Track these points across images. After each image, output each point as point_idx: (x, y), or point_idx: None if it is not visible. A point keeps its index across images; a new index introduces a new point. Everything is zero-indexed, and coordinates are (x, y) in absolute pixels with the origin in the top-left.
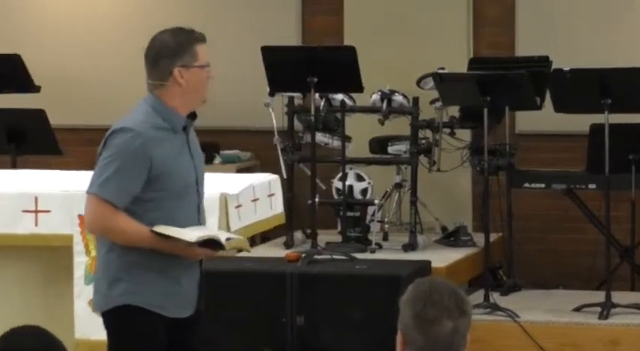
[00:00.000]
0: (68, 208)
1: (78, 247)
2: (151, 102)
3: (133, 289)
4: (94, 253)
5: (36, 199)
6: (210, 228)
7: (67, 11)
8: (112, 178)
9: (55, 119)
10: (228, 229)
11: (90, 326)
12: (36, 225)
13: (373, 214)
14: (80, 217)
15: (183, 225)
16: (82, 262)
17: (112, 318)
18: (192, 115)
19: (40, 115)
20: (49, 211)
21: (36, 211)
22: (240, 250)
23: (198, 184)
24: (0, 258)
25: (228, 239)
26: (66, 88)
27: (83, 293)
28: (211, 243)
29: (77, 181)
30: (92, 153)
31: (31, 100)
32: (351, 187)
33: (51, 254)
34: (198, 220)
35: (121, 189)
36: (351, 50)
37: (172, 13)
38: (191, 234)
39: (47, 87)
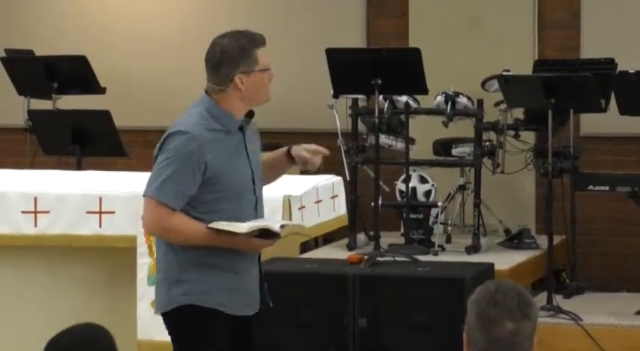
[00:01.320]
0: (132, 209)
1: (141, 248)
2: (207, 105)
3: (194, 288)
4: None
5: (100, 200)
6: (267, 218)
7: (131, 14)
8: (169, 181)
9: (119, 121)
10: None
11: (153, 327)
12: (100, 226)
13: (436, 216)
14: None
15: None
16: (145, 263)
17: (174, 318)
18: (250, 114)
19: (105, 116)
20: (113, 212)
21: (100, 212)
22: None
23: (255, 182)
24: (64, 259)
25: (282, 227)
26: (131, 89)
27: (146, 294)
28: (267, 233)
29: (141, 183)
30: None
31: (96, 102)
32: (414, 189)
33: (114, 255)
34: (256, 218)
35: (177, 191)
36: (416, 52)
37: (236, 16)
38: (246, 226)
39: (112, 89)
